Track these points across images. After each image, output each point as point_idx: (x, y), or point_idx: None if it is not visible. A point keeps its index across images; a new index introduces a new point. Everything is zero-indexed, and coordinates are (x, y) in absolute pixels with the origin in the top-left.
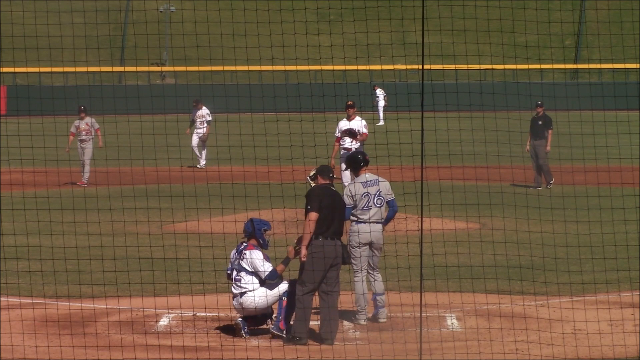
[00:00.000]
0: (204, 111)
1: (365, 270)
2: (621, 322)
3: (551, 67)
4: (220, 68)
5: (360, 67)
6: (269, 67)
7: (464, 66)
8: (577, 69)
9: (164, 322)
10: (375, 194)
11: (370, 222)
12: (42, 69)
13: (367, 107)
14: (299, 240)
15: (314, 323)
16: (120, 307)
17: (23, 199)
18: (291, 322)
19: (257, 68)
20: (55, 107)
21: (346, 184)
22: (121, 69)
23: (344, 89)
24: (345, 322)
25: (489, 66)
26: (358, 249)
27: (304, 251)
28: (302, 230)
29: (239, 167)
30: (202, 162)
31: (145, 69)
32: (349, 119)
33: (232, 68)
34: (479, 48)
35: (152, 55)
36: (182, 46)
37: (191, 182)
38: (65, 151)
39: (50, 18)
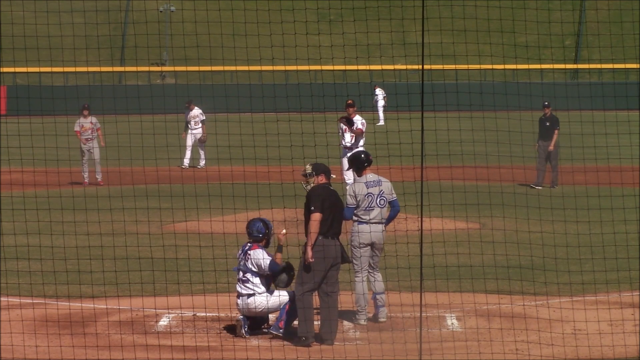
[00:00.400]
0: (197, 111)
1: (366, 271)
2: (621, 322)
3: (551, 67)
4: (220, 68)
5: (361, 67)
6: (269, 67)
7: (464, 66)
8: (577, 69)
9: (164, 322)
10: (378, 195)
11: (371, 223)
12: (42, 69)
13: (367, 107)
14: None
15: (314, 323)
16: (120, 307)
17: (23, 199)
18: (294, 324)
19: (258, 68)
20: (55, 107)
21: (349, 183)
22: (121, 69)
23: (344, 89)
24: (345, 322)
25: (489, 66)
26: (359, 249)
27: (310, 252)
28: (307, 231)
29: (239, 167)
30: (202, 162)
31: (146, 69)
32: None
33: (233, 68)
34: (479, 48)
35: (152, 55)
36: (182, 46)
37: (191, 182)
38: (83, 143)
39: (50, 18)
